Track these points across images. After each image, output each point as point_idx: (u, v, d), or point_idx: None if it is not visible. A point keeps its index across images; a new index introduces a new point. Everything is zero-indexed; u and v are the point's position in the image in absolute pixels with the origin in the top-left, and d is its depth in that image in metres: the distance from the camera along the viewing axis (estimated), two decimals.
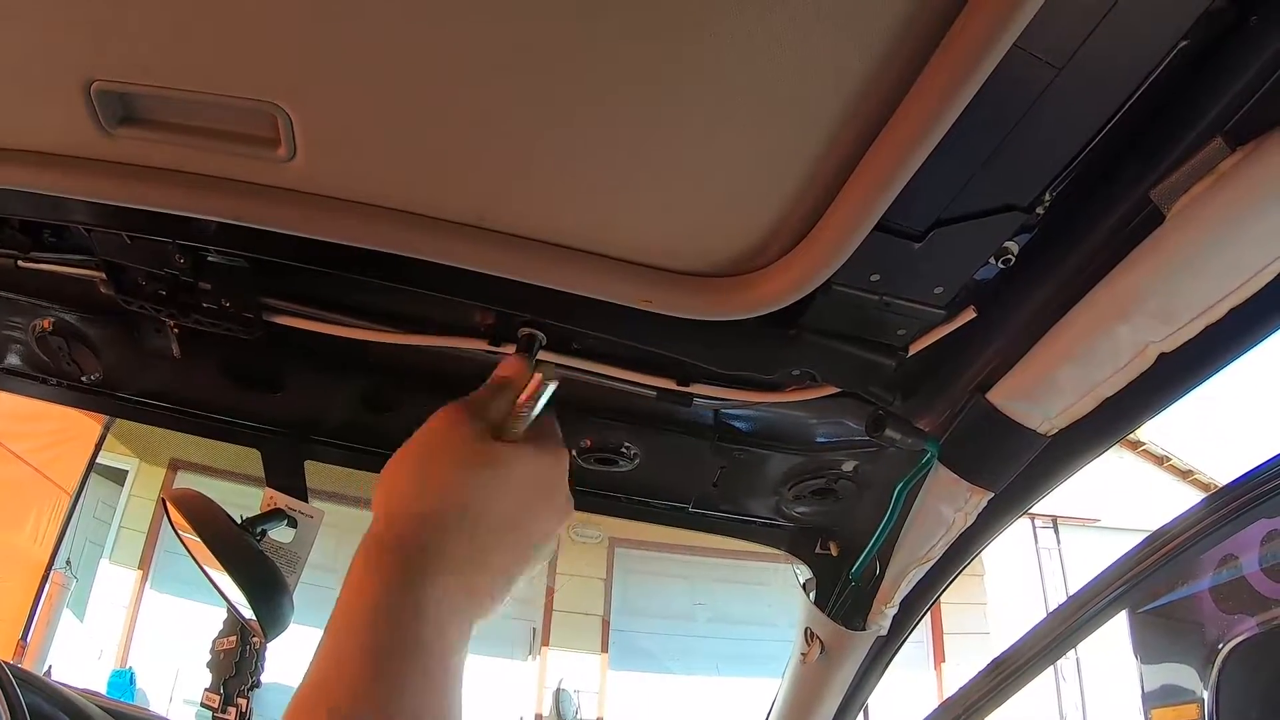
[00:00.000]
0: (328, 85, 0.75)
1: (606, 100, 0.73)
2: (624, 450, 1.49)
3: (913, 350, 1.10)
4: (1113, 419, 1.08)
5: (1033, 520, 12.28)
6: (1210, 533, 1.64)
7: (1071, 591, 1.79)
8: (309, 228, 0.90)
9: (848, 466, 1.50)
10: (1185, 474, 12.98)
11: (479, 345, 1.22)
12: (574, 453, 1.49)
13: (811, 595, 1.74)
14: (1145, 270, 0.90)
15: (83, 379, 1.50)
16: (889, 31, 0.65)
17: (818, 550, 1.74)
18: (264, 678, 8.02)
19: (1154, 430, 12.45)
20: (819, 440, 1.48)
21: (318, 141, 0.81)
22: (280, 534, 1.49)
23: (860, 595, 1.58)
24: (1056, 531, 12.48)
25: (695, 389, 1.28)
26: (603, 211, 0.87)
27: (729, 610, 11.62)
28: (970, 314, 1.08)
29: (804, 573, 1.79)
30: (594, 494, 1.66)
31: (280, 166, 0.84)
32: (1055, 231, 0.97)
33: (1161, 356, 0.96)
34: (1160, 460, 12.96)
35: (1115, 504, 11.63)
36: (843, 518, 1.65)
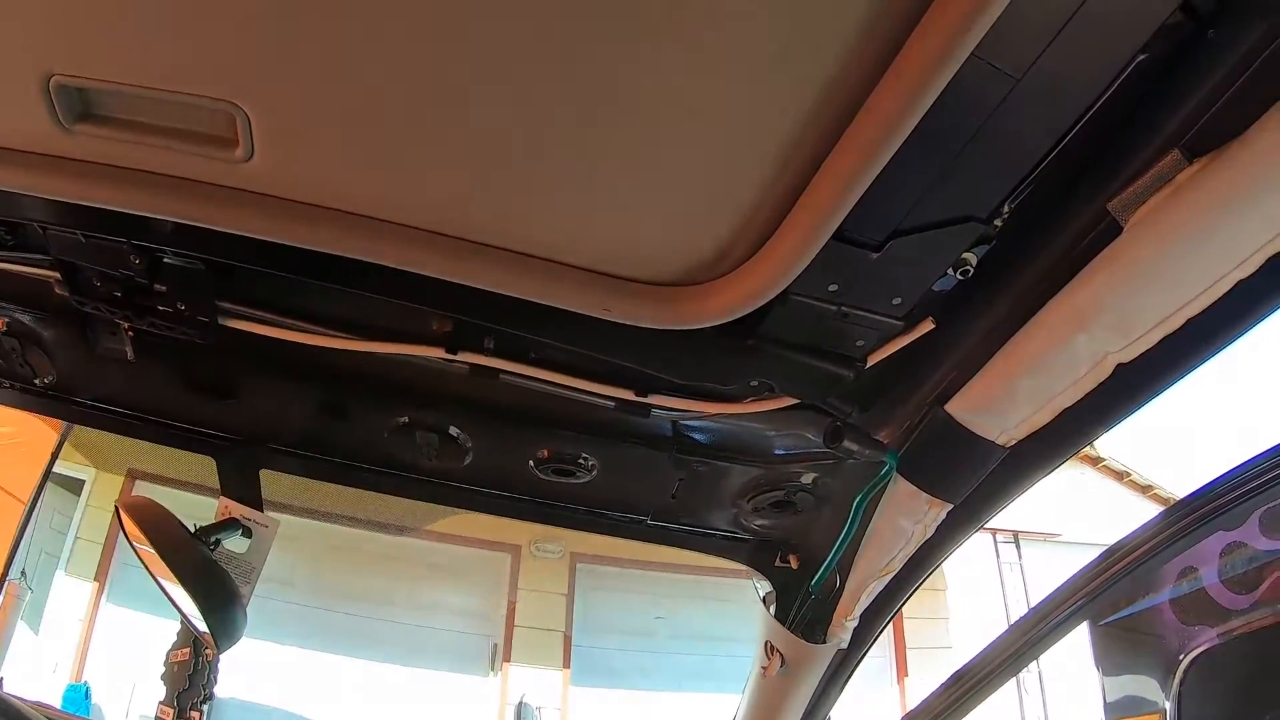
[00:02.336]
0: (286, 85, 0.74)
1: (566, 111, 0.73)
2: (581, 461, 1.48)
3: (871, 361, 1.10)
4: (1071, 430, 1.09)
5: (994, 535, 12.37)
6: (1168, 545, 1.65)
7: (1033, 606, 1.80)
8: (265, 230, 0.89)
9: (807, 479, 1.50)
10: (1145, 489, 13.13)
11: (436, 353, 1.20)
12: (531, 464, 1.48)
13: (772, 609, 1.74)
14: (1103, 281, 0.90)
15: (36, 382, 1.48)
16: (846, 40, 0.64)
17: (777, 563, 1.74)
18: (223, 693, 7.92)
19: (1113, 446, 12.61)
20: (778, 452, 1.47)
21: (275, 142, 0.80)
22: (235, 544, 1.48)
23: (820, 608, 1.58)
24: (1018, 546, 12.57)
25: (653, 399, 1.27)
26: (563, 220, 0.87)
27: (690, 626, 11.61)
28: (929, 325, 1.07)
29: (764, 586, 1.79)
30: (551, 506, 1.65)
31: (238, 167, 0.83)
32: (1014, 243, 0.97)
33: (1119, 367, 0.97)
34: (1120, 475, 13.10)
35: (1076, 519, 11.74)
36: (802, 530, 1.65)
